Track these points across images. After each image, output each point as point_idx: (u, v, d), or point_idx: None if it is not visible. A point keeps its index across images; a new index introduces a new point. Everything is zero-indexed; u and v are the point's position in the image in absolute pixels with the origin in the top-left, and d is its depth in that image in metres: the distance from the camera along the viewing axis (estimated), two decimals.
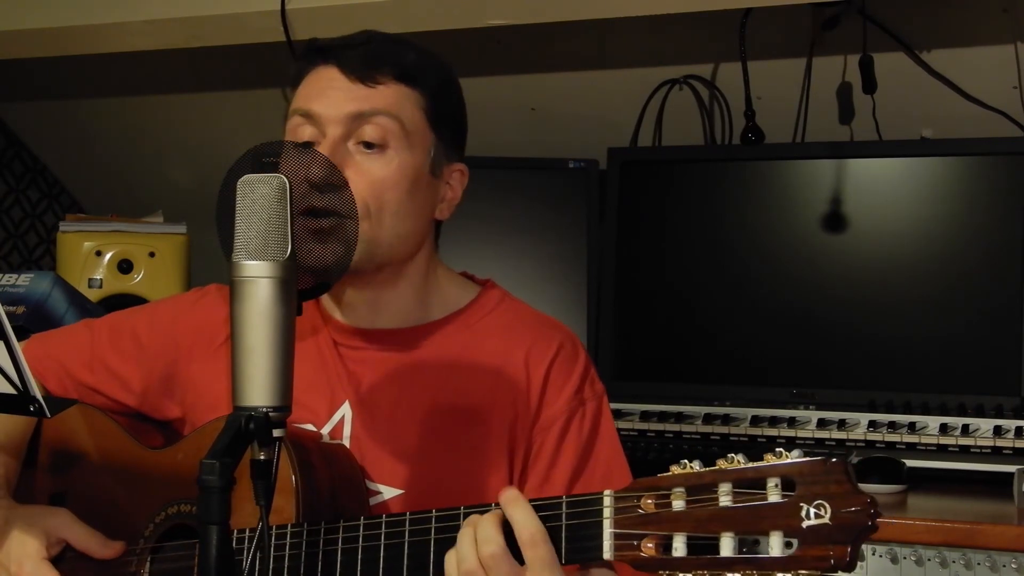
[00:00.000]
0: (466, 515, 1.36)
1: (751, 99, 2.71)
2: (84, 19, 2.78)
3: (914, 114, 2.70)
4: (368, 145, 1.54)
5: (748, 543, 1.22)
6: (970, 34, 2.62)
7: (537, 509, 1.32)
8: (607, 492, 1.28)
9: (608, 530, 1.27)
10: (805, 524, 1.16)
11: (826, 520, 1.15)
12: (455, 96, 1.66)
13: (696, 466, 1.24)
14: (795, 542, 1.17)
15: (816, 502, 1.16)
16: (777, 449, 1.21)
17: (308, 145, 1.50)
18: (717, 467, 1.22)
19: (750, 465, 1.20)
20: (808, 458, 1.18)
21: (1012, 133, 2.59)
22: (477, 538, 1.31)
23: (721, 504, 1.20)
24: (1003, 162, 2.52)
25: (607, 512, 1.28)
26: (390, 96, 1.56)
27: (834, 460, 1.17)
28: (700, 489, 1.22)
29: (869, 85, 2.62)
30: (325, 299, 1.66)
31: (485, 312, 1.66)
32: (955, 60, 2.63)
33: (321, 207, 1.41)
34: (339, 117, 1.54)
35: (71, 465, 1.72)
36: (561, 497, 1.32)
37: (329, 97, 1.56)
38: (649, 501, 1.25)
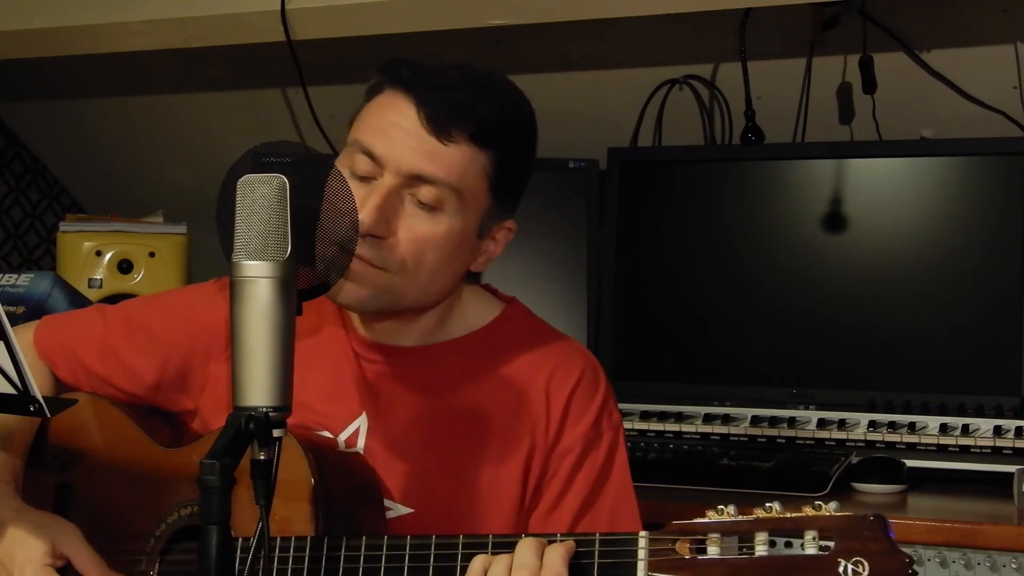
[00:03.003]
0: (495, 544, 1.35)
1: (751, 99, 2.71)
2: (84, 19, 2.78)
3: (914, 114, 2.70)
4: (421, 204, 1.50)
5: None
6: (970, 34, 2.62)
7: None
8: (642, 533, 1.28)
9: (642, 572, 1.27)
10: None
11: None
12: (526, 153, 1.62)
13: (731, 511, 1.23)
14: None
15: (854, 558, 1.15)
16: (816, 502, 1.20)
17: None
18: (754, 515, 1.21)
19: (787, 516, 1.20)
20: (847, 513, 1.18)
21: (1012, 133, 2.59)
22: (514, 562, 1.30)
23: (757, 553, 1.19)
24: (1003, 162, 2.52)
25: (642, 553, 1.27)
26: (459, 161, 1.50)
27: (872, 517, 1.17)
28: (736, 537, 1.21)
29: (869, 85, 2.62)
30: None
31: (507, 332, 1.64)
32: (955, 60, 2.63)
33: (360, 255, 1.41)
34: (401, 171, 1.49)
35: (80, 457, 1.70)
36: (595, 535, 1.32)
37: (397, 141, 1.49)
38: (684, 545, 1.24)
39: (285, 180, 1.26)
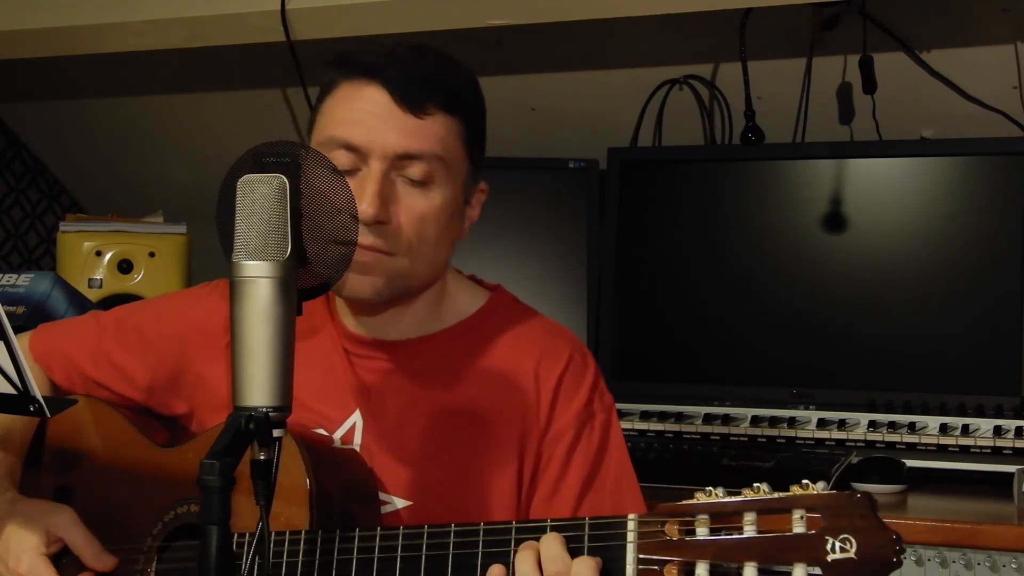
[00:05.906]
0: (486, 531, 1.35)
1: (751, 99, 2.71)
2: (84, 19, 2.78)
3: (914, 114, 2.70)
4: (413, 182, 1.51)
5: (771, 574, 1.21)
6: (970, 34, 2.62)
7: (559, 531, 1.31)
8: (631, 516, 1.28)
9: (631, 554, 1.27)
10: (830, 557, 1.15)
11: (851, 555, 1.15)
12: (484, 114, 1.63)
13: (720, 493, 1.23)
14: (818, 575, 1.17)
15: (842, 536, 1.15)
16: (803, 481, 1.20)
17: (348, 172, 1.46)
18: (742, 496, 1.21)
19: (775, 496, 1.20)
20: (834, 491, 1.18)
21: (1012, 133, 2.59)
22: (543, 556, 1.29)
23: (745, 534, 1.20)
24: (1003, 162, 2.52)
25: (631, 536, 1.27)
26: (438, 132, 1.51)
27: (859, 495, 1.17)
28: (725, 517, 1.22)
29: (869, 85, 2.62)
30: (339, 305, 1.65)
31: (494, 320, 1.65)
32: (955, 60, 2.63)
33: (368, 245, 1.42)
34: (387, 154, 1.49)
35: (79, 459, 1.71)
36: (584, 519, 1.32)
37: (375, 126, 1.50)
38: (674, 527, 1.25)
39: (285, 180, 1.26)
